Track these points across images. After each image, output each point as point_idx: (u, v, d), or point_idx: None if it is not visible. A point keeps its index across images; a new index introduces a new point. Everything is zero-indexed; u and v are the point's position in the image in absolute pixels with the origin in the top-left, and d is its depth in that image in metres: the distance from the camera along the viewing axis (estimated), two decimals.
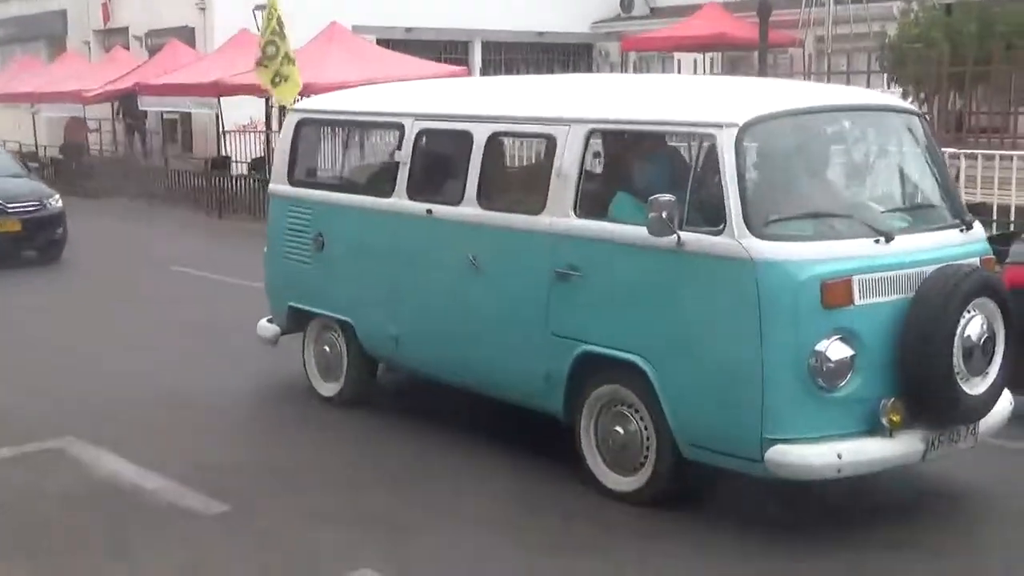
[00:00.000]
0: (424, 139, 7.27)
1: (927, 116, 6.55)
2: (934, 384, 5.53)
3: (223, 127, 22.19)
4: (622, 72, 29.08)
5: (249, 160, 21.66)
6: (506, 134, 7.09)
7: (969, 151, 14.59)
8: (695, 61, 27.14)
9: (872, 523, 5.81)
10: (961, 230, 6.07)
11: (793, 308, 5.40)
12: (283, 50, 13.51)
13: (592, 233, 6.12)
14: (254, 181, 19.59)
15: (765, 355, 5.41)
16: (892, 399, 5.50)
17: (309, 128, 8.27)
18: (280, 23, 13.93)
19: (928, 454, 5.68)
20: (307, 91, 14.87)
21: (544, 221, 6.33)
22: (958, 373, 5.58)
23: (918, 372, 5.51)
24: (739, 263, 5.46)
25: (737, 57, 27.92)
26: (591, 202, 6.23)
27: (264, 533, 5.79)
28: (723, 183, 5.56)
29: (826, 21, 22.03)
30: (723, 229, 5.53)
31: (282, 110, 19.43)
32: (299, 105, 8.68)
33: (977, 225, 6.26)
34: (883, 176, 6.25)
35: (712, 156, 5.67)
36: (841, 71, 20.85)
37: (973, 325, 5.63)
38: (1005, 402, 6.06)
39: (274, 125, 20.79)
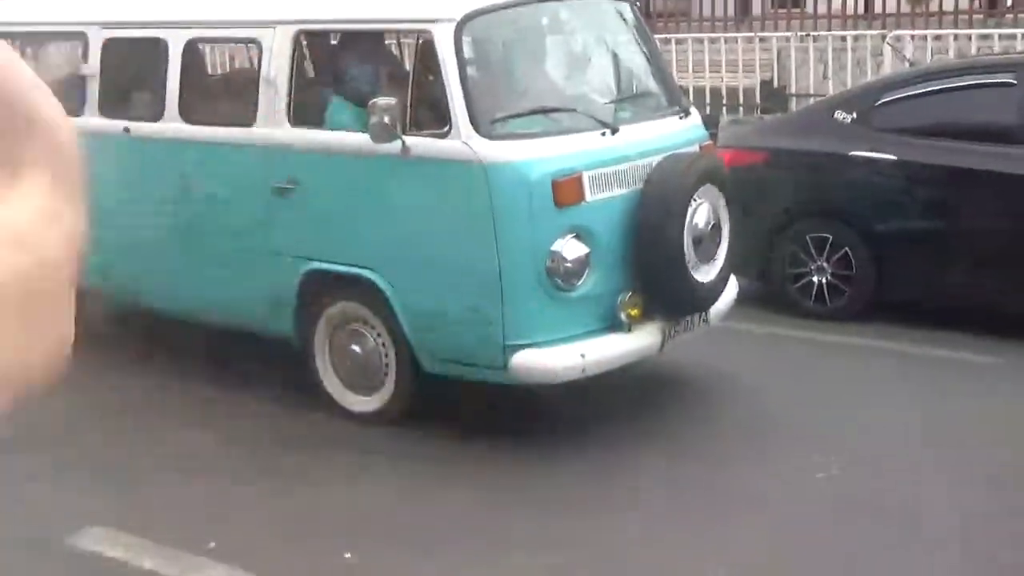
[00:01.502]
0: (112, 50, 6.62)
1: (637, 2, 6.47)
2: (667, 275, 5.53)
3: None
4: None
5: None
6: (205, 40, 6.56)
7: (660, 36, 14.91)
8: None
9: (616, 419, 5.82)
10: (680, 117, 6.07)
11: (526, 208, 5.24)
12: None
13: (309, 143, 5.75)
14: None
15: (501, 259, 5.25)
16: (629, 294, 5.48)
17: None
18: None
19: (665, 344, 5.71)
20: None
21: (256, 133, 5.90)
22: (689, 262, 5.60)
23: (651, 264, 5.50)
24: (468, 166, 5.24)
25: None
26: (305, 110, 5.84)
27: None
28: (444, 83, 5.31)
29: None
30: (449, 131, 5.29)
31: None
32: None
33: (694, 111, 6.29)
34: (602, 67, 6.15)
35: (430, 54, 5.40)
36: None
37: (700, 213, 5.65)
38: (731, 285, 6.18)
39: None
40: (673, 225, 5.49)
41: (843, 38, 14.36)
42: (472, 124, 5.24)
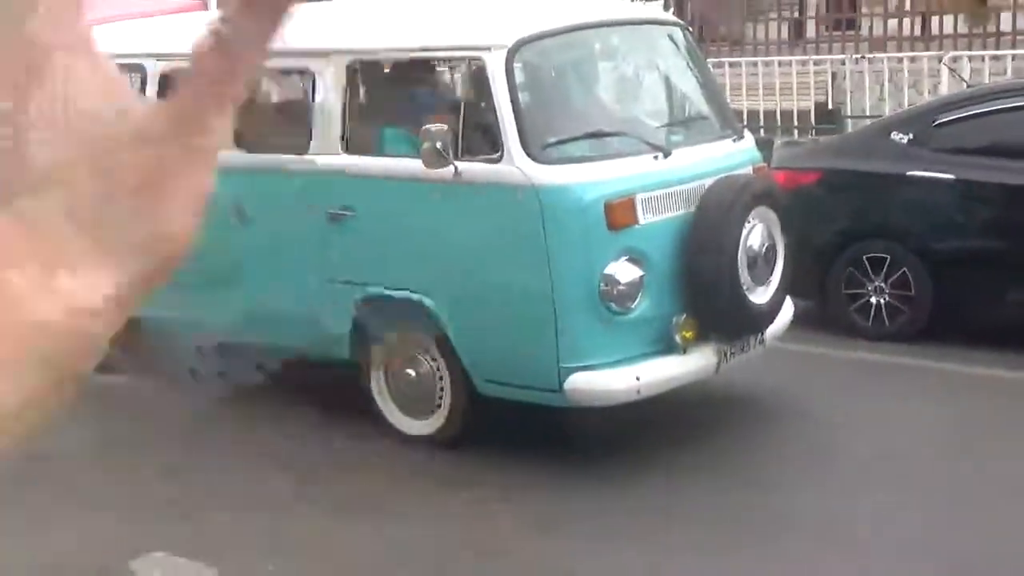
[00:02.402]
0: (169, 81, 6.72)
1: (690, 28, 6.47)
2: (722, 297, 5.51)
3: None
4: None
5: None
6: None
7: (714, 60, 14.88)
8: None
9: (671, 443, 5.79)
10: (733, 140, 6.06)
11: (579, 232, 5.26)
12: None
13: (364, 170, 5.80)
14: None
15: (555, 282, 5.26)
16: (683, 316, 5.46)
17: None
18: None
19: (721, 366, 5.69)
20: None
21: (310, 160, 5.96)
22: (744, 284, 5.58)
23: (705, 286, 5.48)
24: (520, 190, 5.27)
25: None
26: (359, 137, 5.90)
27: (35, 522, 5.29)
28: (496, 108, 5.34)
29: None
30: (501, 156, 5.32)
31: None
32: None
33: (747, 133, 6.27)
34: (654, 91, 6.17)
35: (482, 81, 5.44)
36: None
37: (754, 235, 5.63)
38: (787, 306, 6.14)
39: None
40: (727, 247, 5.47)
41: (899, 60, 14.26)
42: (524, 148, 5.27)
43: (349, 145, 5.86)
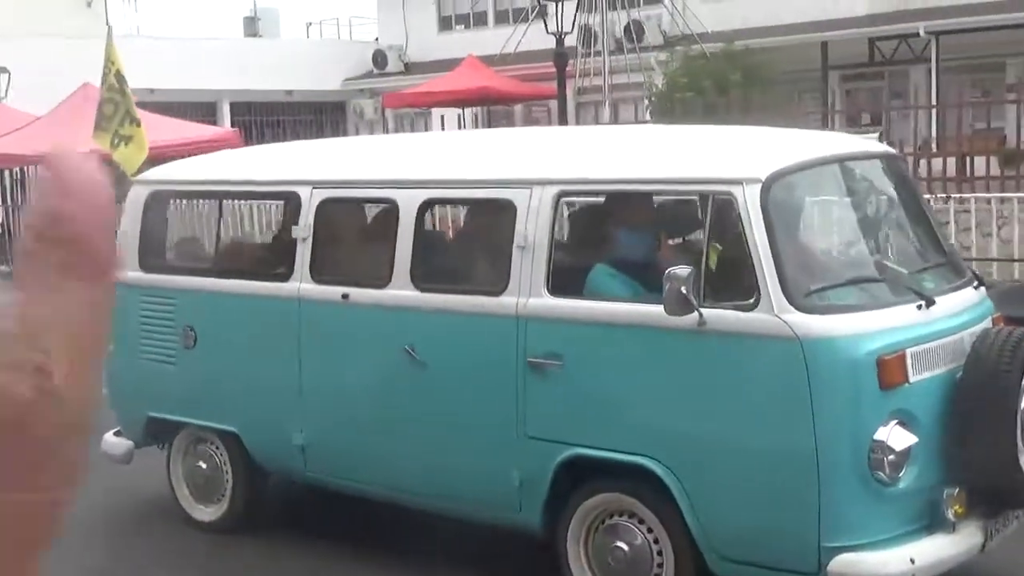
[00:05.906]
0: (329, 210, 6.09)
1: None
2: (999, 468, 4.84)
3: None
4: (383, 131, 28.15)
5: None
6: (443, 201, 6.03)
7: None
8: (457, 116, 26.54)
9: None
10: (975, 287, 5.48)
11: (850, 391, 4.61)
12: (123, 107, 11.54)
13: (576, 314, 5.15)
14: None
15: (820, 448, 4.59)
16: (956, 489, 4.79)
17: (163, 202, 6.92)
18: (120, 76, 11.64)
19: (987, 544, 5.00)
20: None
21: (509, 302, 5.30)
22: (1021, 452, 4.93)
23: (980, 455, 4.82)
24: (781, 341, 4.62)
25: (498, 112, 27.58)
26: (566, 277, 5.26)
27: None
28: (751, 249, 4.72)
29: (603, 71, 21.82)
30: (756, 303, 4.69)
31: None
32: (149, 175, 7.29)
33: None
34: (901, 230, 5.59)
35: (730, 217, 4.83)
36: (605, 122, 20.76)
37: None
38: None
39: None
40: (1005, 412, 4.82)
41: None
42: (785, 295, 4.64)
43: (555, 286, 5.22)
